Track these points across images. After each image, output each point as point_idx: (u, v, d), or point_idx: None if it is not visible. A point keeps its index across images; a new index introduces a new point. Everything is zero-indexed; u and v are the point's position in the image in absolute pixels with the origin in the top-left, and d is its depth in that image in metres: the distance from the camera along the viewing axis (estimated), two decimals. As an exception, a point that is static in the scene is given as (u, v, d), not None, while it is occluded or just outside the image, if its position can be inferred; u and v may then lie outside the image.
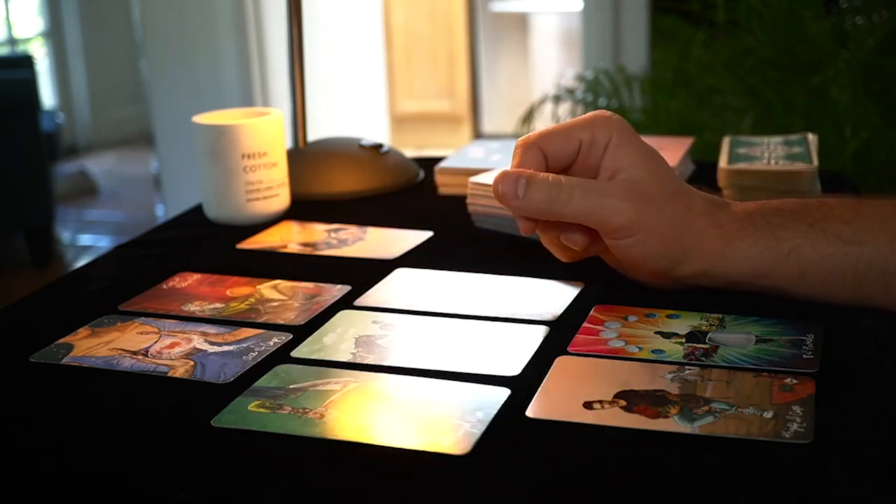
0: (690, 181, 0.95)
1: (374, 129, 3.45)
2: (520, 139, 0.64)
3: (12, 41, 5.03)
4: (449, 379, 0.56)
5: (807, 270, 0.60)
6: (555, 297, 0.67)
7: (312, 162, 0.98)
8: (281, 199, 0.90)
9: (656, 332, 0.60)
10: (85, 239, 3.84)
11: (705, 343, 0.59)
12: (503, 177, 0.61)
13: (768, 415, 0.50)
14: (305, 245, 0.83)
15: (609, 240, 0.62)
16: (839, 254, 0.59)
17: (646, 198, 0.60)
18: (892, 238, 0.58)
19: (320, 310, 0.67)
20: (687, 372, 0.55)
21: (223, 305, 0.69)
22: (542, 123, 2.57)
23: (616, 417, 0.50)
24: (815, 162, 0.86)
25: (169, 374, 0.58)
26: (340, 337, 0.62)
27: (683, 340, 0.59)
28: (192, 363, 0.59)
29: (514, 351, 0.59)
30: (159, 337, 0.63)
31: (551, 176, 0.61)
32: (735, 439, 0.48)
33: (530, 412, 0.51)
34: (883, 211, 0.59)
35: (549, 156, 0.63)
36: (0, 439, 0.52)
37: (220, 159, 0.87)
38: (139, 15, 2.94)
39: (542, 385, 0.54)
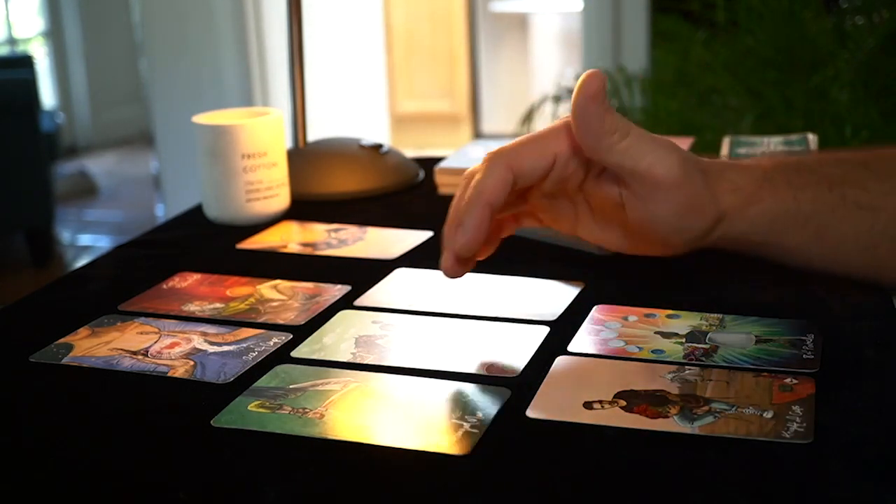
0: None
1: (374, 129, 3.45)
2: (489, 152, 0.60)
3: (12, 41, 5.03)
4: (449, 379, 0.56)
5: (823, 235, 0.59)
6: (555, 297, 0.67)
7: (312, 162, 0.98)
8: (281, 199, 0.90)
9: (656, 332, 0.60)
10: (85, 239, 3.84)
11: (705, 343, 0.59)
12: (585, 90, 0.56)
13: (768, 415, 0.50)
14: (305, 245, 0.83)
15: (639, 195, 0.58)
16: (857, 219, 0.58)
17: (687, 161, 0.58)
18: None
19: (320, 310, 0.67)
20: (687, 372, 0.55)
21: (223, 305, 0.69)
22: (543, 123, 2.57)
23: (616, 417, 0.50)
24: (815, 162, 0.86)
25: (169, 374, 0.58)
26: (340, 337, 0.62)
27: (683, 340, 0.59)
28: (192, 363, 0.59)
29: (514, 351, 0.59)
30: (159, 337, 0.63)
31: (615, 113, 0.57)
32: (735, 439, 0.48)
33: (530, 412, 0.51)
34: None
35: (518, 173, 0.59)
36: (0, 439, 0.52)
37: (220, 159, 0.87)
38: (139, 15, 2.94)
39: (542, 385, 0.54)
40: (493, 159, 0.59)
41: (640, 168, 0.57)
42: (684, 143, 0.99)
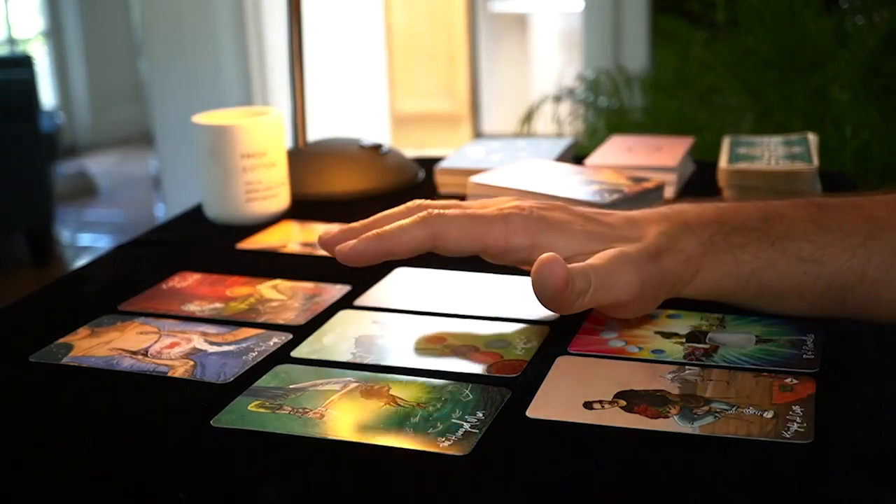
0: (690, 181, 0.96)
1: (374, 129, 3.45)
2: (428, 210, 0.60)
3: (12, 41, 5.03)
4: (449, 379, 0.56)
5: (766, 290, 0.59)
6: (555, 297, 0.67)
7: (312, 162, 0.98)
8: (281, 199, 0.90)
9: (656, 332, 0.60)
10: (85, 239, 3.84)
11: (705, 343, 0.59)
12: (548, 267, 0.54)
13: (768, 415, 0.50)
14: (305, 245, 0.83)
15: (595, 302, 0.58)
16: (798, 273, 0.58)
17: (646, 268, 0.57)
18: (852, 256, 0.57)
19: (320, 310, 0.67)
20: (687, 372, 0.55)
21: (223, 305, 0.69)
22: (542, 123, 2.57)
23: (616, 417, 0.50)
24: (816, 162, 0.86)
25: (169, 374, 0.58)
26: (340, 337, 0.62)
27: (683, 340, 0.59)
28: (191, 363, 0.59)
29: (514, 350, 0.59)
30: (159, 337, 0.63)
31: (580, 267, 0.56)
32: (735, 439, 0.48)
33: (530, 412, 0.51)
34: (844, 224, 0.58)
35: (438, 246, 0.60)
36: (0, 439, 0.51)
37: (220, 159, 0.87)
38: (139, 15, 2.94)
39: (542, 385, 0.54)
40: (427, 221, 0.60)
41: (603, 304, 0.58)
42: (684, 143, 0.99)
